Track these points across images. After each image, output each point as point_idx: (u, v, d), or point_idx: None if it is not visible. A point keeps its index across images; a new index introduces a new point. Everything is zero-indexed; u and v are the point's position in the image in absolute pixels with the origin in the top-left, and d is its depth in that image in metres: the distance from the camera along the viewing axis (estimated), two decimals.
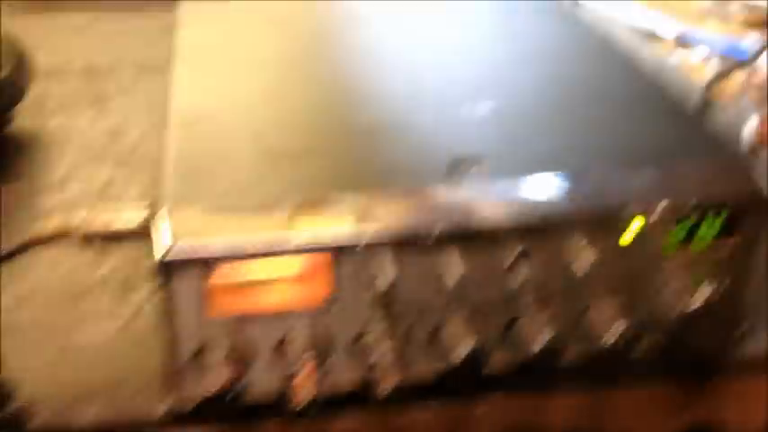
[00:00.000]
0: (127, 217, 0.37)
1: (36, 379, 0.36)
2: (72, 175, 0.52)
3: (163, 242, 0.32)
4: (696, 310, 0.35)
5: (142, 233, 0.36)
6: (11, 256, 0.37)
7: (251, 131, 0.39)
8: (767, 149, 0.51)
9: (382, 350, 0.34)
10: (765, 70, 0.61)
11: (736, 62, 0.64)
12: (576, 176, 0.36)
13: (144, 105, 0.59)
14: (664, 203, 0.35)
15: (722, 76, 0.62)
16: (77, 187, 0.50)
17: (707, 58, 0.64)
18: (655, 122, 0.41)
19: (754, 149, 0.52)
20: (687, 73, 0.63)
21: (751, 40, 0.66)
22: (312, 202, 0.34)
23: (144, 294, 0.41)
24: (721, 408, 0.39)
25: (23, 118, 0.56)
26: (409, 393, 0.34)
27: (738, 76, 0.61)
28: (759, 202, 0.35)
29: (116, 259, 0.44)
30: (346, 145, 0.39)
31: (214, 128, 0.39)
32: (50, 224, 0.37)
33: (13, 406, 0.33)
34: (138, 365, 0.37)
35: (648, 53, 0.64)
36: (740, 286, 0.36)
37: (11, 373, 0.34)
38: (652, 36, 0.67)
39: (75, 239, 0.37)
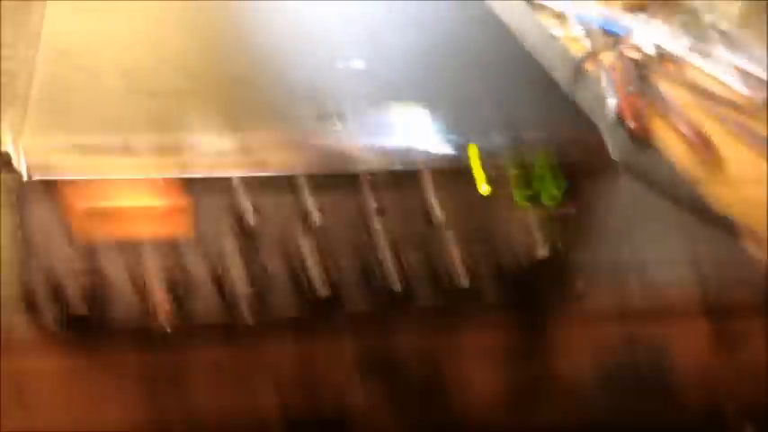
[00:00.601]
0: None
1: None
2: None
3: (21, 172, 0.32)
4: (538, 262, 0.38)
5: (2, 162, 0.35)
6: None
7: (122, 69, 0.39)
8: (628, 123, 0.55)
9: (241, 284, 0.35)
10: (635, 49, 0.65)
11: (611, 38, 0.68)
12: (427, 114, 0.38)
13: (22, 35, 0.57)
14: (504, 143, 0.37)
15: (596, 50, 0.66)
16: None
17: (587, 33, 0.68)
18: (519, 87, 0.43)
19: (617, 122, 0.56)
20: (566, 45, 0.67)
21: (630, 19, 0.69)
22: (175, 140, 0.34)
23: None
24: (554, 356, 0.43)
25: None
26: (266, 327, 0.36)
27: (612, 53, 0.65)
28: (596, 147, 0.38)
29: None
30: (218, 89, 0.39)
31: (84, 62, 0.39)
32: None
33: None
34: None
35: (531, 23, 0.67)
36: (578, 243, 0.40)
37: None
38: (538, 7, 0.70)
39: None
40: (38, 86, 0.37)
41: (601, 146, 0.39)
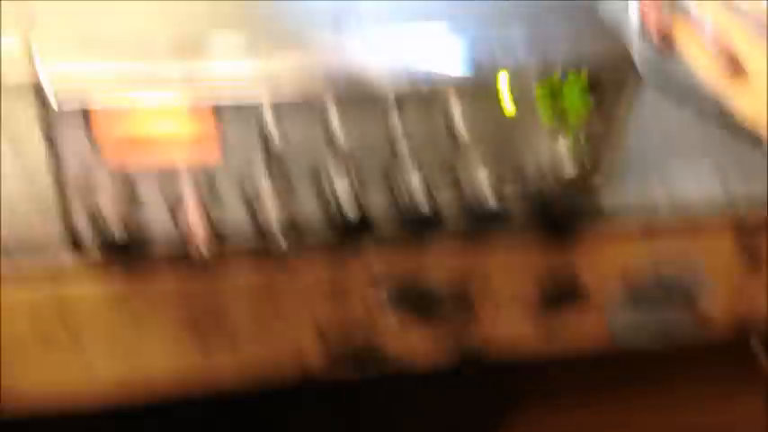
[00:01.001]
0: (15, 70, 0.36)
1: None
2: None
3: (51, 103, 0.33)
4: (562, 172, 0.38)
5: (30, 87, 0.35)
6: None
7: None
8: (654, 36, 0.54)
9: (270, 202, 0.36)
10: None
11: None
12: (451, 34, 0.37)
13: None
14: (530, 61, 0.37)
15: None
16: None
17: None
18: (544, 3, 0.42)
19: (643, 36, 0.54)
20: None
21: None
22: (198, 69, 0.34)
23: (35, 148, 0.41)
24: (577, 263, 0.43)
25: None
26: (297, 241, 0.36)
27: None
28: (622, 63, 0.38)
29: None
30: (242, 15, 0.39)
31: None
32: None
33: None
34: (39, 219, 0.37)
35: None
36: (605, 160, 0.39)
37: None
38: None
39: None
40: (63, 18, 0.37)
41: (627, 60, 0.39)
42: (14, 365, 0.38)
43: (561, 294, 0.44)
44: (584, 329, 0.46)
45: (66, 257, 0.36)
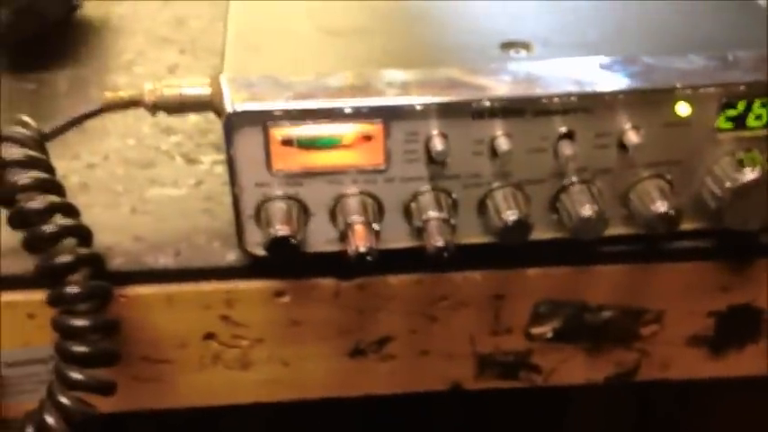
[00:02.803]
0: (192, 89, 0.39)
1: (110, 231, 0.39)
2: (138, 60, 0.54)
3: (226, 106, 0.34)
4: (741, 191, 0.36)
5: (207, 102, 0.38)
6: (86, 117, 0.39)
7: (306, 10, 0.41)
8: None
9: (431, 215, 0.36)
10: None
11: None
12: (624, 61, 0.36)
13: None
14: (711, 87, 0.35)
15: None
16: (144, 69, 0.53)
17: None
18: (716, 13, 0.41)
19: None
20: None
21: None
22: (365, 74, 0.35)
23: (209, 162, 0.44)
24: (761, 290, 0.40)
25: (91, 6, 0.58)
26: (457, 259, 0.36)
27: None
28: None
29: (182, 132, 0.47)
30: (398, 26, 0.40)
31: (271, 9, 0.41)
32: (123, 94, 0.40)
33: (91, 250, 0.36)
34: (207, 221, 0.40)
35: None
36: None
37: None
38: None
39: (146, 107, 0.39)
40: (232, 32, 0.39)
41: None
42: (175, 360, 0.40)
43: (733, 310, 0.41)
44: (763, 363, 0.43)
45: (233, 253, 0.38)
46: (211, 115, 0.38)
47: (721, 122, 0.36)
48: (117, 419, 0.39)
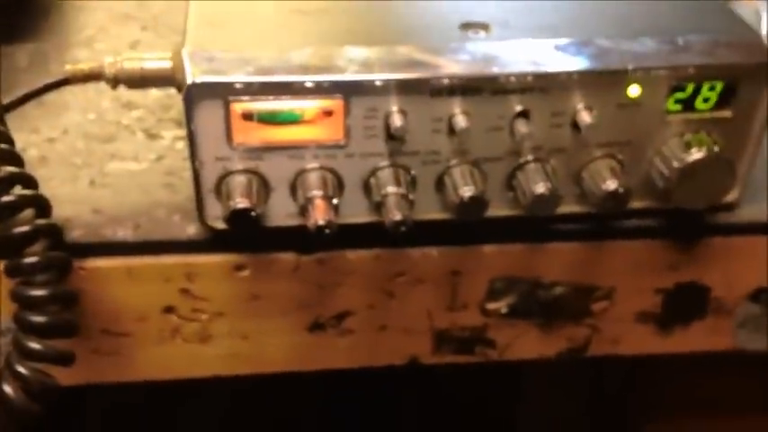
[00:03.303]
0: (153, 63, 0.39)
1: (69, 204, 0.39)
2: (99, 36, 0.54)
3: (186, 79, 0.35)
4: (688, 171, 0.37)
5: (168, 76, 0.38)
6: (47, 89, 0.39)
7: None
8: None
9: (390, 191, 0.36)
10: None
11: None
12: (580, 43, 0.37)
13: None
14: (661, 69, 0.36)
15: None
16: (105, 46, 0.52)
17: None
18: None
19: None
20: None
21: None
22: (326, 51, 0.36)
23: (170, 137, 0.44)
24: (707, 269, 0.42)
25: None
26: (415, 235, 0.37)
27: None
28: (760, 72, 0.37)
29: (143, 107, 0.47)
30: (360, 6, 0.40)
31: None
32: (84, 66, 0.39)
33: (49, 220, 0.36)
34: (167, 195, 0.40)
35: None
36: (734, 151, 0.38)
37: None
38: None
39: (107, 81, 0.39)
40: (194, 8, 0.39)
41: (757, 46, 0.38)
42: (134, 333, 0.40)
43: (682, 290, 0.42)
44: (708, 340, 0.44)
45: (192, 226, 0.39)
46: (173, 91, 0.38)
47: (670, 104, 0.37)
48: (76, 393, 0.39)
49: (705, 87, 0.37)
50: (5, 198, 0.35)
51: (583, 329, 0.43)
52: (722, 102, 0.37)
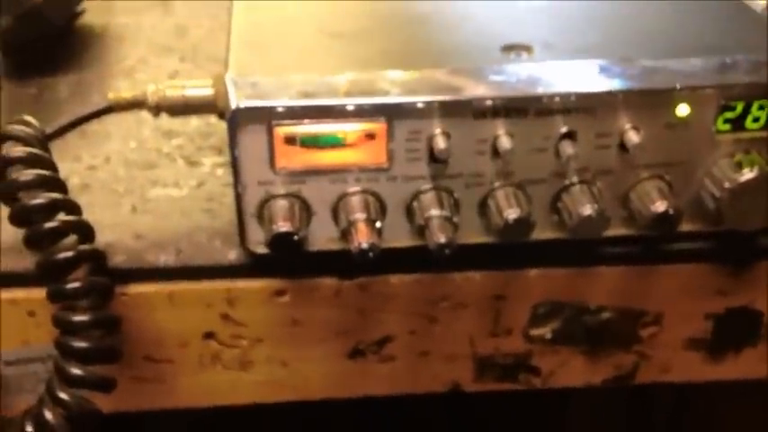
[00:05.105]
0: (195, 90, 0.39)
1: (111, 229, 0.39)
2: (139, 67, 0.54)
3: (231, 104, 0.35)
4: (739, 191, 0.36)
5: (210, 102, 0.38)
6: (91, 117, 0.39)
7: (308, 14, 0.41)
8: None
9: (433, 214, 0.36)
10: None
11: None
12: (625, 63, 0.37)
13: (207, 6, 0.61)
14: (710, 88, 0.36)
15: None
16: (145, 76, 0.53)
17: None
18: (714, 17, 0.41)
19: None
20: None
21: None
22: (368, 74, 0.36)
23: (210, 164, 0.44)
24: (759, 293, 0.41)
25: (93, 15, 0.59)
26: (458, 259, 0.36)
27: None
28: None
29: (183, 135, 0.47)
30: (400, 29, 0.40)
31: (274, 12, 0.41)
32: (126, 94, 0.40)
33: (92, 246, 0.36)
34: (208, 220, 0.40)
35: None
36: None
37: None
38: None
39: (149, 109, 0.39)
40: (236, 34, 0.39)
41: None
42: (176, 359, 0.40)
43: (734, 313, 0.41)
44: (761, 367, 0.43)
45: (234, 250, 0.38)
46: (213, 119, 0.38)
47: (720, 124, 0.37)
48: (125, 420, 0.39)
49: (755, 107, 0.36)
50: (49, 224, 0.36)
51: (630, 356, 0.42)
52: None
